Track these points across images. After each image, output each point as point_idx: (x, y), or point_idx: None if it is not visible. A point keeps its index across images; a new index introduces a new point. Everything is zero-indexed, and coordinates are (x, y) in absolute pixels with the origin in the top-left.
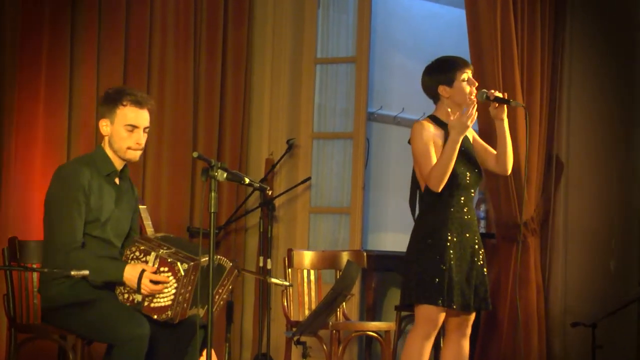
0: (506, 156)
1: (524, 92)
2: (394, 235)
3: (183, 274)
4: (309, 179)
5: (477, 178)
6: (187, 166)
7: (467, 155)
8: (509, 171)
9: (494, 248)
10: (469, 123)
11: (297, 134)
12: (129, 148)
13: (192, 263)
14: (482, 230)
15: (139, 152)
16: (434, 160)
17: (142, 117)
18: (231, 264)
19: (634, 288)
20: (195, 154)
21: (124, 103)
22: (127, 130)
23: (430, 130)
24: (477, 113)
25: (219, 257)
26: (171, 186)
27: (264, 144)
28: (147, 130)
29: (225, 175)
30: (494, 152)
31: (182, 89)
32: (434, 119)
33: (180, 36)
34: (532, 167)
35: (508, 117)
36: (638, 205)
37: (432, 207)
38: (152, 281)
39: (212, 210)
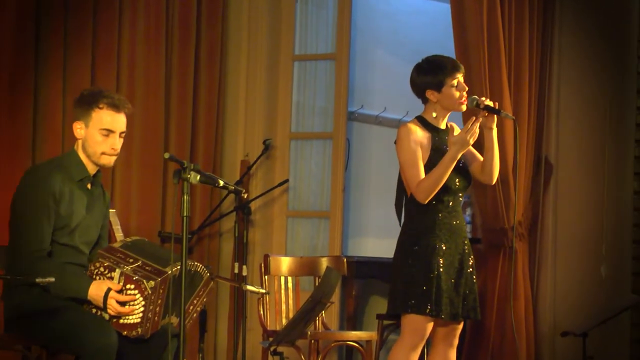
0: (492, 166)
1: (512, 89)
2: (376, 241)
3: (150, 291)
4: (286, 181)
5: (466, 183)
6: (158, 168)
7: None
8: (494, 181)
9: (480, 254)
10: (471, 141)
11: (274, 134)
12: (103, 153)
13: (159, 279)
14: (468, 236)
15: (114, 158)
16: (421, 170)
17: (118, 121)
18: (208, 275)
19: (626, 295)
20: (166, 155)
21: (100, 106)
22: (102, 135)
23: (418, 133)
24: (479, 130)
25: (195, 263)
26: (141, 189)
27: (239, 144)
28: (123, 135)
29: (198, 177)
30: (481, 158)
31: (153, 87)
32: (422, 121)
33: (150, 31)
34: (520, 169)
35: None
36: (630, 209)
37: (419, 212)
38: (118, 302)
39: (185, 214)
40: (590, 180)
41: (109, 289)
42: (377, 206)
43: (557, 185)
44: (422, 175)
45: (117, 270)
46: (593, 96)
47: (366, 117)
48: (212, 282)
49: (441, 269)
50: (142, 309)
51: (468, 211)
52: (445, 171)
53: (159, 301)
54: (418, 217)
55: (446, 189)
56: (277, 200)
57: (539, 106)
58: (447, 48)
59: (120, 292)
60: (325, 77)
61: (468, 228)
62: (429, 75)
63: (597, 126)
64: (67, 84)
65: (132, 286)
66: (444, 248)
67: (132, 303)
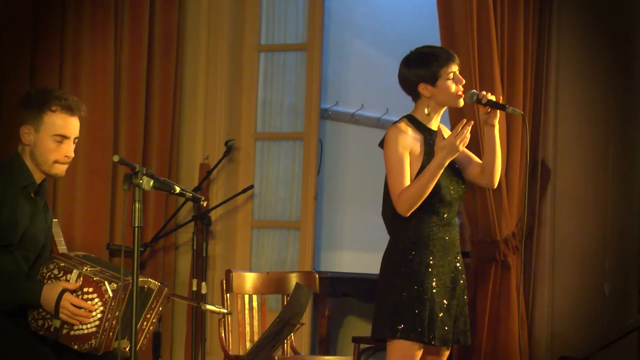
0: (494, 168)
1: (505, 85)
2: (352, 254)
3: (111, 294)
4: (251, 187)
5: (461, 191)
6: (106, 172)
7: (449, 165)
8: (496, 184)
9: (469, 269)
10: (461, 147)
11: (237, 134)
12: (56, 161)
13: (121, 283)
14: None
15: (67, 166)
16: (407, 179)
17: (73, 125)
18: (159, 284)
19: (632, 316)
20: (116, 158)
21: (53, 108)
22: (55, 141)
23: (409, 135)
24: (469, 135)
25: (144, 279)
26: (87, 196)
27: (198, 146)
28: (76, 140)
29: (151, 183)
30: (479, 161)
31: (100, 81)
32: (413, 120)
33: (97, 19)
34: (513, 174)
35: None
36: (637, 219)
37: (410, 224)
38: (74, 305)
39: (136, 225)
40: (592, 187)
41: (64, 290)
42: (354, 215)
43: (555, 192)
44: (407, 184)
45: (74, 271)
46: (596, 92)
47: (341, 115)
48: (165, 291)
49: (434, 290)
50: (99, 315)
51: (456, 222)
52: (431, 180)
53: (117, 313)
54: (409, 230)
55: (441, 200)
56: (240, 209)
57: (535, 103)
58: (432, 38)
59: (76, 295)
60: (295, 70)
61: None
62: (421, 67)
63: (600, 126)
64: (4, 79)
65: (91, 289)
66: (437, 266)
67: (89, 308)
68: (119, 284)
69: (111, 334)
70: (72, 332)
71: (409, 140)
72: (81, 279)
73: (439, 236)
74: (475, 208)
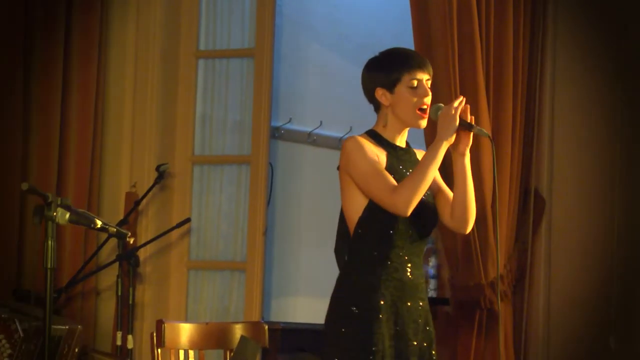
0: (466, 208)
1: (490, 96)
2: (308, 301)
3: (22, 335)
4: (187, 220)
5: (427, 225)
6: (13, 203)
7: None
8: (469, 229)
9: (449, 318)
10: (457, 118)
11: (171, 157)
12: None
13: (35, 324)
14: (432, 294)
15: None
16: (391, 177)
17: None
18: (67, 327)
19: None
20: (24, 186)
21: None
22: None
23: (371, 145)
24: (468, 107)
25: (62, 328)
26: None
27: (124, 171)
28: None
29: (67, 215)
30: (449, 194)
31: (6, 93)
32: (374, 135)
33: (3, 22)
34: (501, 205)
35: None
36: None
37: (361, 261)
38: None
39: (49, 266)
40: (595, 220)
41: None
42: (310, 255)
43: (550, 226)
44: (392, 181)
45: None
46: (599, 109)
47: (296, 135)
48: (79, 328)
49: (386, 342)
50: (6, 358)
51: (432, 261)
52: (429, 167)
53: None
54: (359, 268)
55: (398, 231)
56: (175, 247)
57: (528, 119)
58: (403, 42)
59: None
60: (240, 81)
61: (433, 284)
62: (381, 70)
63: (603, 149)
64: None
65: None
66: (390, 312)
67: None
68: (33, 323)
69: None
70: None
71: (373, 149)
72: None
73: (395, 276)
74: (455, 245)
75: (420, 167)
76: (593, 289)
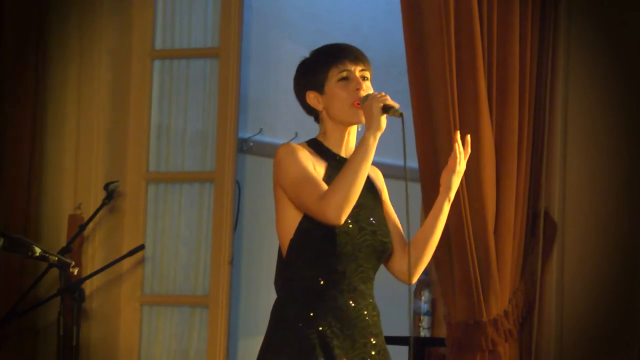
0: (424, 251)
1: (494, 109)
2: None
3: None
4: (141, 248)
5: (376, 247)
6: None
7: (366, 208)
8: (414, 281)
9: None
10: (379, 102)
11: (121, 174)
12: None
13: None
14: (426, 333)
15: None
16: (323, 182)
17: None
18: None
19: None
20: None
21: None
22: None
23: (307, 153)
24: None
25: None
26: None
27: (67, 191)
28: None
29: (1, 242)
30: (399, 228)
31: None
32: (314, 145)
33: None
34: (505, 230)
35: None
36: None
37: (294, 285)
38: None
39: None
40: (614, 247)
41: None
42: None
43: (563, 253)
44: (324, 186)
45: None
46: (615, 121)
47: (266, 148)
48: None
49: None
50: None
51: (426, 296)
52: (361, 164)
53: None
54: (292, 293)
55: (337, 252)
56: (126, 279)
57: (536, 131)
58: (392, 40)
59: None
60: (202, 85)
61: (426, 322)
62: (308, 71)
63: (626, 162)
64: None
65: None
66: (330, 345)
67: None
68: None
69: None
70: None
71: (309, 157)
72: None
73: (333, 305)
74: (451, 277)
75: (349, 165)
76: (611, 328)
